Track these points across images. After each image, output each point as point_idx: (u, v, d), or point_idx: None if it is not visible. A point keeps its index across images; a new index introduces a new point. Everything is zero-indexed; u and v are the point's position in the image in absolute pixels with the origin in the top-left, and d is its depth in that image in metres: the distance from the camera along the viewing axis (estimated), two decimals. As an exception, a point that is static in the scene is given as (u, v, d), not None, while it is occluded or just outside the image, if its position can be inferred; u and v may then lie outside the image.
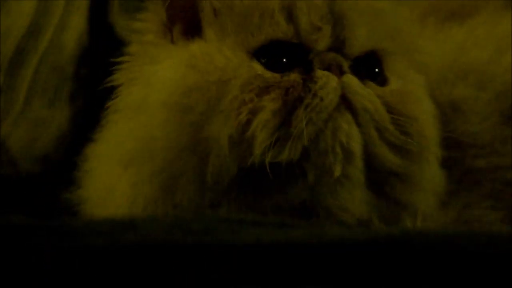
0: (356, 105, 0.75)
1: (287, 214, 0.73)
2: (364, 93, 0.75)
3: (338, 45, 0.77)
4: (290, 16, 0.77)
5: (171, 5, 0.80)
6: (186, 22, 0.80)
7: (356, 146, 0.74)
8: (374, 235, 0.61)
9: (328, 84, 0.74)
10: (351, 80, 0.75)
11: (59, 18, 1.19)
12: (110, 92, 0.83)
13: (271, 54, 0.77)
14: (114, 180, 0.79)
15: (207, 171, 0.74)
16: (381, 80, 0.79)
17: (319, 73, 0.75)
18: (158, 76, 0.79)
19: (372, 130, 0.75)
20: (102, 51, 1.12)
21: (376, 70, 0.80)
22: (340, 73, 0.75)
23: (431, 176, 0.80)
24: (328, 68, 0.76)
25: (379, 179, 0.77)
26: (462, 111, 0.88)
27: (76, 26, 1.19)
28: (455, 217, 0.84)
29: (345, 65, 0.76)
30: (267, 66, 0.76)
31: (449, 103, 0.88)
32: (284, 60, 0.77)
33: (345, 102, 0.75)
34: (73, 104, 1.17)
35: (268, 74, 0.76)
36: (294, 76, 0.76)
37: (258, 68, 0.76)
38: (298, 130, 0.73)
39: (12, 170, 1.13)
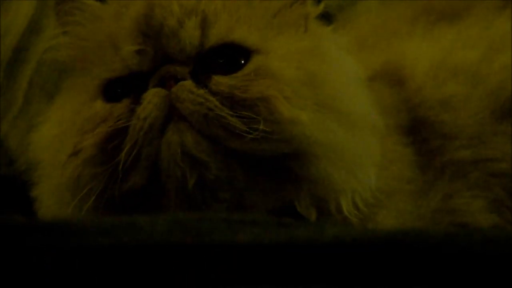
0: (184, 112, 0.73)
1: None
2: (193, 97, 0.74)
3: (170, 56, 0.76)
4: (115, 48, 0.77)
5: None
6: (62, 72, 0.86)
7: (197, 150, 0.73)
8: (373, 235, 0.61)
9: (151, 102, 0.74)
10: (181, 87, 0.74)
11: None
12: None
13: (112, 88, 0.77)
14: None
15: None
16: (235, 65, 0.77)
17: (147, 93, 0.75)
18: (39, 136, 0.82)
19: (214, 129, 0.74)
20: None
21: (233, 57, 0.77)
22: (176, 82, 0.74)
23: (332, 143, 0.77)
24: (161, 83, 0.75)
25: (271, 165, 0.75)
26: (451, 106, 0.88)
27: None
28: (437, 206, 0.84)
29: (183, 72, 0.75)
30: (109, 100, 0.77)
31: (438, 99, 0.88)
32: (119, 90, 0.77)
33: (176, 111, 0.73)
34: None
35: (102, 109, 0.76)
36: (122, 104, 0.75)
37: (97, 106, 0.77)
38: (126, 157, 0.73)
39: (11, 169, 1.13)
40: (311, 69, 0.78)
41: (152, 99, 0.74)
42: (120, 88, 0.77)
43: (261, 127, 0.73)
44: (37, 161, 0.82)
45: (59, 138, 0.78)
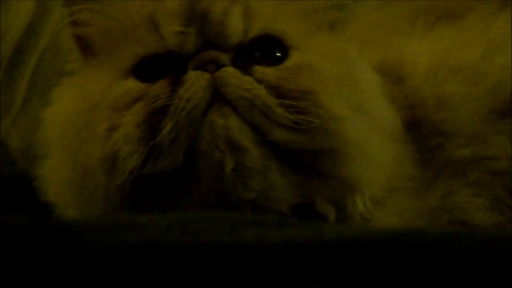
0: (231, 97, 0.73)
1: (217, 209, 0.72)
2: (240, 82, 0.74)
3: (212, 42, 0.76)
4: (155, 29, 0.77)
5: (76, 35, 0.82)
6: (83, 50, 0.82)
7: (242, 136, 0.73)
8: (374, 234, 0.61)
9: (195, 84, 0.74)
10: (225, 73, 0.74)
11: (58, 17, 1.19)
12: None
13: (146, 67, 0.77)
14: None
15: (100, 194, 0.76)
16: (276, 58, 0.78)
17: (189, 75, 0.75)
18: (53, 114, 0.82)
19: (258, 116, 0.74)
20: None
21: (273, 50, 0.78)
22: (218, 68, 0.74)
23: (362, 144, 0.78)
24: (202, 67, 0.75)
25: (302, 160, 0.76)
26: (450, 104, 0.88)
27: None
28: (437, 204, 0.85)
29: (224, 58, 0.75)
30: (143, 79, 0.76)
31: (438, 98, 0.88)
32: (156, 70, 0.76)
33: (220, 96, 0.73)
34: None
35: (136, 88, 0.76)
36: (160, 84, 0.75)
37: (129, 84, 0.76)
38: (168, 137, 0.72)
39: (11, 169, 1.13)
40: (346, 69, 0.80)
41: (196, 81, 0.74)
42: (154, 68, 0.77)
43: (308, 119, 0.74)
44: (51, 138, 0.81)
45: (85, 113, 0.77)
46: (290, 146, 0.75)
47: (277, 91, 0.75)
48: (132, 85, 0.76)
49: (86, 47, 0.81)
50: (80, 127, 0.77)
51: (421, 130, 0.86)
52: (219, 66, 0.75)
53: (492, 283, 0.57)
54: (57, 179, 0.81)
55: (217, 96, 0.73)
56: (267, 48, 0.78)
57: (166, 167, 0.73)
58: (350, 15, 0.93)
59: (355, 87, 0.80)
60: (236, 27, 0.77)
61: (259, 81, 0.75)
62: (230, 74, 0.74)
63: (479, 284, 0.57)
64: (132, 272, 0.58)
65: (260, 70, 0.76)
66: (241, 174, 0.74)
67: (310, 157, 0.76)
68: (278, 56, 0.78)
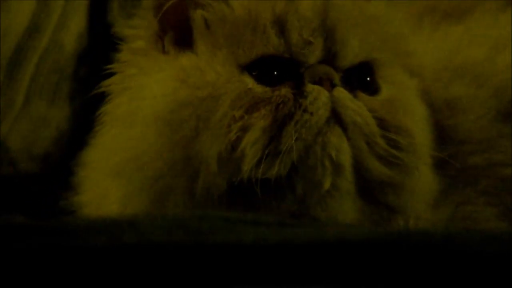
0: (346, 120, 0.75)
1: None
2: (354, 106, 0.76)
3: (329, 58, 0.78)
4: (282, 30, 0.77)
5: (163, 14, 0.80)
6: (177, 32, 0.81)
7: (346, 160, 0.75)
8: (374, 234, 0.61)
9: (318, 99, 0.75)
10: (342, 93, 0.76)
11: (58, 17, 1.19)
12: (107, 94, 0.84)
13: (262, 67, 0.77)
14: (105, 189, 0.81)
15: (197, 186, 0.75)
16: (372, 89, 0.80)
17: (310, 87, 0.76)
18: (149, 89, 0.79)
19: (362, 143, 0.76)
20: (102, 51, 1.12)
21: (368, 79, 0.80)
22: (331, 86, 0.76)
23: (422, 183, 0.80)
24: (319, 81, 0.76)
25: (370, 188, 0.78)
26: (458, 108, 0.88)
27: (76, 26, 1.19)
28: (450, 214, 0.85)
29: (336, 77, 0.77)
30: (258, 79, 0.77)
31: (445, 101, 0.88)
32: (275, 73, 0.77)
33: (335, 116, 0.75)
34: (72, 103, 1.17)
35: (259, 89, 0.76)
36: (284, 91, 0.76)
37: (249, 82, 0.77)
38: (288, 146, 0.74)
39: (11, 169, 1.13)
40: (419, 105, 0.83)
41: (319, 96, 0.75)
42: (271, 70, 0.77)
43: (402, 155, 0.77)
44: (137, 109, 0.79)
45: (203, 102, 0.76)
46: (373, 175, 0.77)
47: (381, 122, 0.77)
48: (251, 84, 0.77)
49: (203, 31, 0.80)
50: (195, 114, 0.76)
51: (437, 136, 0.86)
52: (332, 84, 0.76)
53: (493, 282, 0.57)
54: (109, 163, 0.79)
55: (334, 116, 0.75)
56: (365, 75, 0.80)
57: (273, 174, 0.74)
58: None
59: (422, 123, 0.82)
60: (354, 50, 0.78)
61: (369, 109, 0.77)
62: (346, 96, 0.76)
63: (479, 284, 0.57)
64: (132, 272, 0.58)
65: (363, 96, 0.78)
66: (330, 193, 0.76)
67: (380, 188, 0.78)
68: (369, 83, 0.80)
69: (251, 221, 0.64)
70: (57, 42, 1.18)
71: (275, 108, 0.75)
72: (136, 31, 0.83)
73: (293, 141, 0.73)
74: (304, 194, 0.76)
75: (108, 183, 0.80)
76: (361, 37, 0.79)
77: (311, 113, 0.75)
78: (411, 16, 0.97)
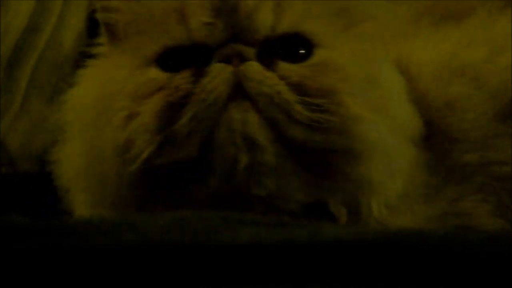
0: (251, 92, 0.73)
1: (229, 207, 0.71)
2: (261, 77, 0.74)
3: (239, 35, 0.76)
4: (182, 18, 0.77)
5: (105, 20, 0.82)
6: (110, 34, 0.82)
7: (258, 133, 0.73)
8: (373, 235, 0.61)
9: (218, 76, 0.73)
10: (250, 67, 0.74)
11: (57, 17, 1.19)
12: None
13: (169, 57, 0.76)
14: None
15: (108, 180, 0.76)
16: (300, 55, 0.77)
17: (212, 66, 0.74)
18: (75, 97, 0.81)
19: (276, 113, 0.73)
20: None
21: (295, 47, 0.77)
22: (241, 61, 0.74)
23: (382, 146, 0.77)
24: (227, 60, 0.74)
25: (317, 159, 0.75)
26: (456, 108, 0.88)
27: (75, 25, 1.19)
28: (444, 210, 0.85)
29: (249, 52, 0.75)
30: (166, 69, 0.76)
31: (444, 101, 0.88)
32: (182, 60, 0.76)
33: (241, 91, 0.73)
34: (71, 103, 1.17)
35: (162, 77, 0.76)
36: (185, 74, 0.75)
37: (152, 73, 0.76)
38: (186, 128, 0.73)
39: (10, 169, 1.14)
40: (370, 70, 0.79)
41: (219, 73, 0.73)
42: (178, 59, 0.76)
43: (328, 118, 0.73)
44: (70, 121, 0.81)
45: (105, 99, 0.77)
46: (306, 145, 0.74)
47: (299, 89, 0.74)
48: (154, 74, 0.76)
49: (113, 33, 0.81)
50: (99, 112, 0.77)
51: (431, 135, 0.86)
52: (243, 60, 0.74)
53: (491, 282, 0.57)
54: (72, 164, 0.80)
55: (239, 90, 0.73)
56: (293, 45, 0.77)
57: (181, 158, 0.73)
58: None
59: (379, 88, 0.79)
60: (264, 22, 0.76)
61: (282, 77, 0.74)
62: (254, 69, 0.74)
63: (478, 284, 0.57)
64: (132, 272, 0.58)
65: (285, 66, 0.76)
66: (255, 171, 0.74)
67: (326, 157, 0.75)
68: (302, 53, 0.77)
69: (250, 221, 0.64)
70: (56, 42, 1.18)
71: (173, 93, 0.74)
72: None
73: (191, 121, 0.72)
74: (226, 174, 0.74)
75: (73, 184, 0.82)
76: (277, 10, 0.77)
77: (209, 91, 0.73)
78: (410, 17, 0.97)
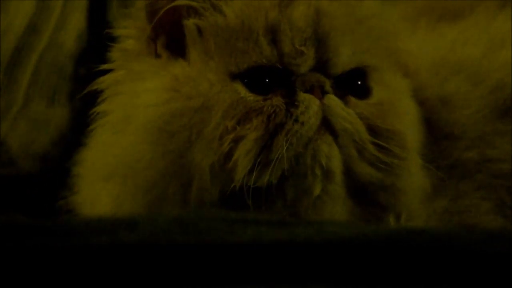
0: (336, 127, 0.76)
1: None
2: (345, 114, 0.77)
3: (321, 65, 0.78)
4: (274, 40, 0.78)
5: (156, 18, 0.80)
6: (170, 36, 0.81)
7: (336, 166, 0.77)
8: (373, 234, 0.61)
9: (309, 108, 0.76)
10: (333, 101, 0.77)
11: (58, 17, 1.19)
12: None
13: (254, 76, 0.78)
14: (97, 191, 0.81)
15: (190, 195, 0.76)
16: (364, 93, 0.80)
17: (301, 96, 0.77)
18: (142, 97, 0.80)
19: (352, 150, 0.77)
20: (101, 51, 1.12)
21: (359, 83, 0.80)
22: (322, 93, 0.77)
23: (413, 182, 0.81)
24: (310, 89, 0.77)
25: (361, 189, 0.79)
26: (453, 104, 0.88)
27: (75, 25, 1.19)
28: (444, 208, 0.85)
29: (328, 84, 0.78)
30: (250, 87, 0.78)
31: (440, 97, 0.88)
32: (267, 81, 0.78)
33: (326, 124, 0.76)
34: (71, 103, 1.17)
35: (251, 98, 0.77)
36: (276, 101, 0.77)
37: (241, 90, 0.77)
38: (279, 156, 0.75)
39: (11, 169, 1.13)
40: (411, 105, 0.84)
41: (310, 105, 0.76)
42: (262, 79, 0.78)
43: (393, 160, 0.78)
44: (130, 115, 0.80)
45: (193, 112, 0.77)
46: (364, 179, 0.78)
47: (370, 128, 0.78)
48: (243, 92, 0.77)
49: (194, 39, 0.80)
50: (188, 125, 0.77)
51: (430, 131, 0.86)
52: (323, 91, 0.77)
53: (492, 281, 0.57)
54: (101, 166, 0.80)
55: (325, 124, 0.76)
56: (354, 79, 0.80)
57: (264, 183, 0.75)
58: None
59: (414, 125, 0.83)
60: (345, 57, 0.79)
61: (357, 114, 0.78)
62: (336, 103, 0.77)
63: (478, 282, 0.57)
64: (132, 272, 0.58)
65: (355, 102, 0.79)
66: (321, 199, 0.77)
67: (376, 190, 0.79)
68: (360, 87, 0.80)
69: (250, 221, 0.64)
70: (57, 42, 1.18)
71: (267, 119, 0.76)
72: (128, 31, 0.83)
73: (284, 151, 0.75)
74: (294, 200, 0.77)
75: (100, 185, 0.81)
76: (353, 43, 0.80)
77: (302, 123, 0.76)
78: (408, 16, 0.97)
